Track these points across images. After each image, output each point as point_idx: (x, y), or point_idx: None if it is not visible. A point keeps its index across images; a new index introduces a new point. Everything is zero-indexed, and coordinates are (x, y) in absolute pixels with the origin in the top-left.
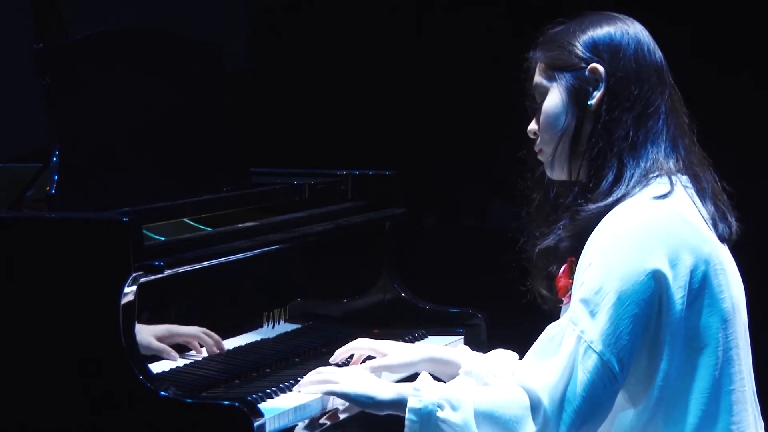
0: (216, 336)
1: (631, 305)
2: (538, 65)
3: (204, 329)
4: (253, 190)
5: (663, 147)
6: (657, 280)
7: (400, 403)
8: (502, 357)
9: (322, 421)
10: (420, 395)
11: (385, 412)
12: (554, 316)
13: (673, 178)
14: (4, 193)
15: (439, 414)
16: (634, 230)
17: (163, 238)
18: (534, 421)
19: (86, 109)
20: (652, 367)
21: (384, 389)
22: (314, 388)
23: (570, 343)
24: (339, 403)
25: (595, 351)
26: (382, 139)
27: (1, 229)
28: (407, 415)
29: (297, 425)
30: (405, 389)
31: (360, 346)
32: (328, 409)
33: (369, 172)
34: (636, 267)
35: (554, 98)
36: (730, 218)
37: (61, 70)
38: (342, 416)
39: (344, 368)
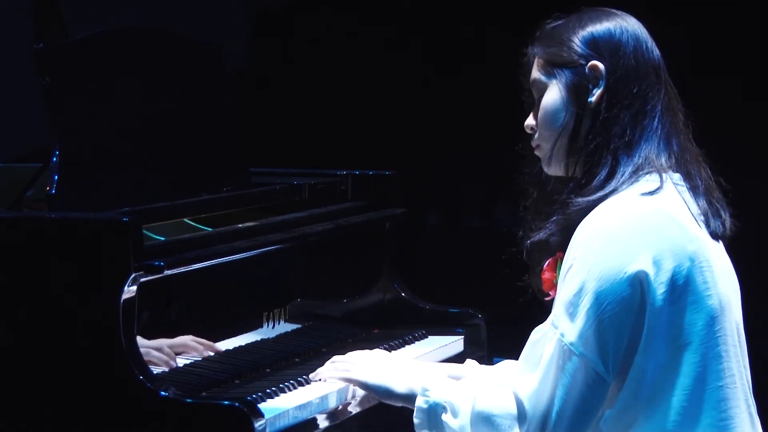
0: (206, 341)
1: (610, 305)
2: (536, 61)
3: (192, 336)
4: (253, 190)
5: (656, 144)
6: (638, 278)
7: (412, 399)
8: (511, 369)
9: (322, 421)
10: (428, 395)
11: (399, 404)
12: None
13: (664, 175)
14: (4, 193)
15: (443, 417)
16: (615, 228)
17: (163, 238)
18: (520, 429)
19: (86, 109)
20: (626, 362)
21: (399, 382)
22: (335, 374)
23: (551, 346)
24: (339, 404)
25: (575, 353)
26: (382, 139)
27: (1, 229)
28: (414, 413)
29: (297, 425)
30: (416, 386)
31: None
32: (328, 409)
33: (369, 172)
34: (615, 266)
35: (553, 95)
36: (724, 215)
37: (61, 70)
38: (343, 416)
39: (364, 354)
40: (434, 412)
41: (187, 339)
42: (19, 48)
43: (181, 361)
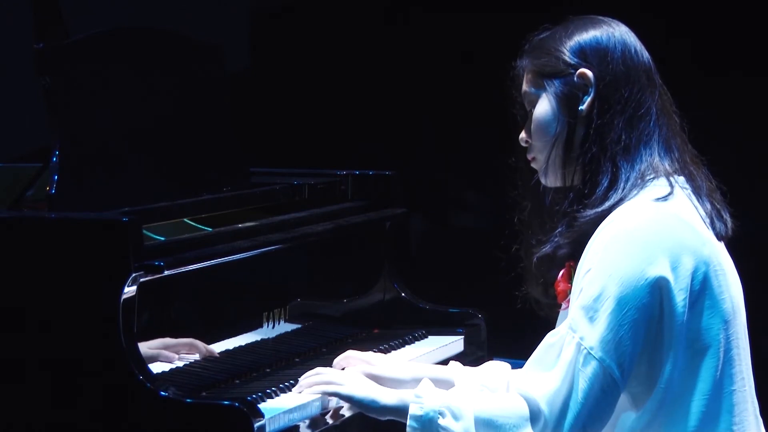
0: (208, 347)
1: (631, 311)
2: (526, 74)
3: (194, 340)
4: (253, 190)
5: (656, 148)
6: (658, 284)
7: (402, 409)
8: (495, 369)
9: (322, 421)
10: (421, 402)
11: (387, 417)
12: (552, 319)
13: (671, 179)
14: (4, 193)
15: (441, 421)
16: (634, 234)
17: (163, 238)
18: (533, 430)
19: (86, 109)
20: (655, 371)
21: (387, 394)
22: (318, 388)
23: (570, 350)
24: (339, 404)
25: (595, 357)
26: (382, 139)
27: (1, 229)
28: (408, 422)
29: (297, 425)
30: (407, 395)
31: (352, 355)
32: (328, 409)
33: (369, 172)
34: (636, 272)
35: (544, 106)
36: (725, 215)
37: (61, 70)
38: (342, 416)
39: (346, 371)
40: (430, 418)
41: (192, 341)
42: (19, 48)
43: (181, 361)
